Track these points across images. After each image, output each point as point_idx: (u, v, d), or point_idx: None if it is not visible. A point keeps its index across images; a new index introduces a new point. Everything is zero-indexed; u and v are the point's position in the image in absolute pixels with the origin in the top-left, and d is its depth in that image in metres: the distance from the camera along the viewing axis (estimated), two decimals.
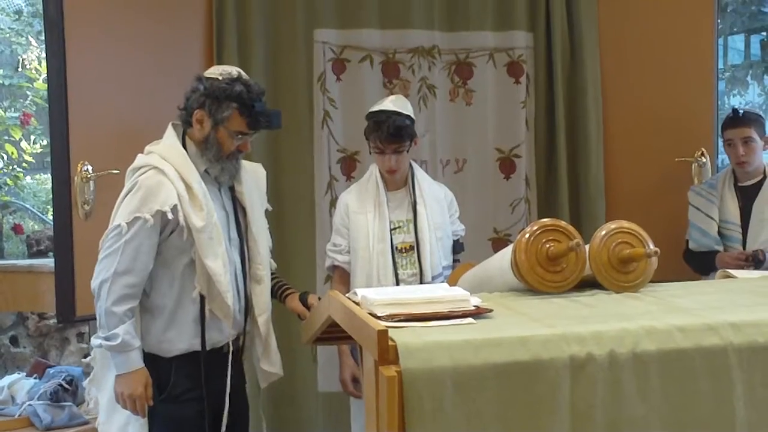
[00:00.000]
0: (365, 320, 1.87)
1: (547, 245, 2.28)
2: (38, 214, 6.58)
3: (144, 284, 2.62)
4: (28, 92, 5.82)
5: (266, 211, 2.96)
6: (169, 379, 2.68)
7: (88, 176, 3.34)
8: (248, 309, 2.83)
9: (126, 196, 2.62)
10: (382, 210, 3.20)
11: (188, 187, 2.61)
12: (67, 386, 3.55)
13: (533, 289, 2.29)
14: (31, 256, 5.58)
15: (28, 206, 6.58)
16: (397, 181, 3.26)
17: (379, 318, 1.89)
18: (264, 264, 2.85)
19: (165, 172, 2.60)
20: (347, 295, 2.22)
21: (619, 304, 2.16)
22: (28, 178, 6.49)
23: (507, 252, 2.42)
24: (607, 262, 2.30)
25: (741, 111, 3.65)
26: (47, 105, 3.48)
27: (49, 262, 3.94)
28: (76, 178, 3.33)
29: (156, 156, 2.65)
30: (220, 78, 2.69)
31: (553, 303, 2.18)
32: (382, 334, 1.73)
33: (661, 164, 4.02)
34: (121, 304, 2.56)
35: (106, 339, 2.56)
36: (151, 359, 2.66)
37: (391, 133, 3.11)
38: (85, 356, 5.14)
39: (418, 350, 1.71)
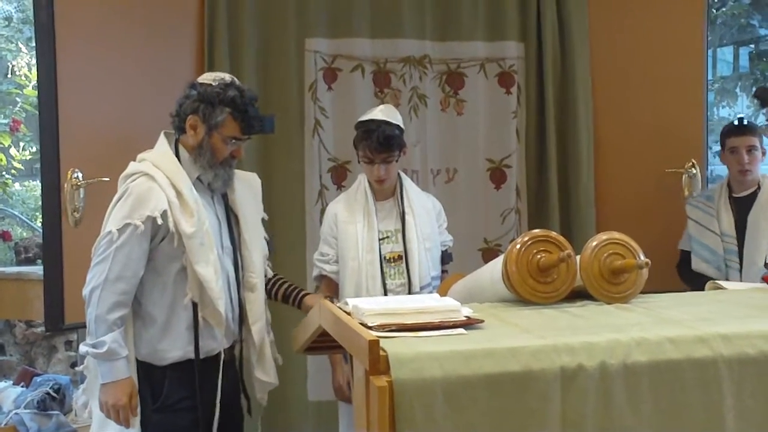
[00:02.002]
0: (356, 330, 1.87)
1: (538, 256, 2.29)
2: (27, 221, 6.57)
3: (135, 291, 2.61)
4: (17, 99, 5.81)
5: (262, 220, 2.95)
6: (163, 388, 2.67)
7: (78, 183, 3.33)
8: (242, 317, 2.82)
9: (117, 202, 2.61)
10: (371, 220, 3.20)
11: (179, 194, 2.60)
12: (54, 395, 3.53)
13: (524, 299, 2.29)
14: (19, 263, 5.57)
15: (16, 213, 6.56)
16: (386, 191, 3.26)
17: (370, 328, 1.89)
18: (257, 272, 2.84)
19: (155, 179, 2.59)
20: (338, 304, 2.22)
21: (610, 315, 2.16)
22: (16, 185, 6.48)
23: (498, 262, 2.42)
24: (598, 273, 2.31)
25: (745, 120, 3.66)
26: (37, 112, 3.46)
27: (37, 269, 3.93)
28: (65, 185, 3.32)
29: (148, 163, 2.65)
30: (214, 83, 2.69)
31: (544, 314, 2.18)
32: (374, 344, 1.73)
33: (652, 175, 4.03)
34: (112, 311, 2.55)
35: (93, 346, 2.55)
36: (144, 368, 2.65)
37: (380, 143, 3.10)
38: (73, 365, 5.12)
39: (409, 360, 1.71)
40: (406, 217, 3.22)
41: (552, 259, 2.26)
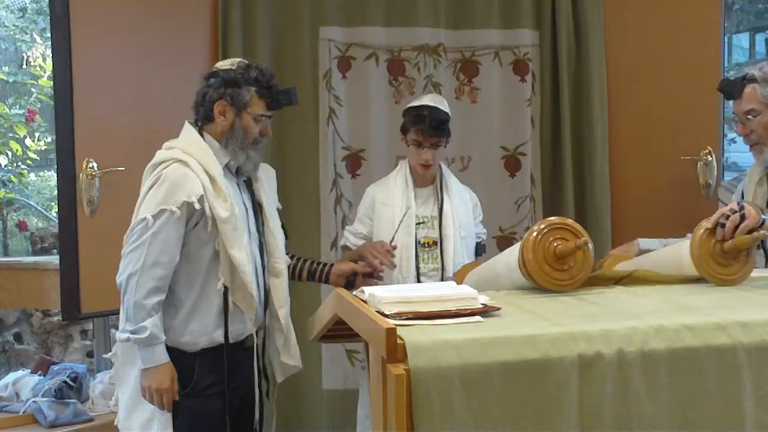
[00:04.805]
0: (373, 318, 1.87)
1: (555, 243, 2.28)
2: (42, 211, 6.59)
3: (171, 277, 2.63)
4: (32, 89, 5.82)
5: (277, 210, 2.98)
6: (193, 374, 2.69)
7: (94, 173, 3.34)
8: (267, 303, 2.85)
9: (150, 189, 2.63)
10: (410, 204, 3.29)
11: (212, 179, 2.64)
12: (71, 383, 3.55)
13: (540, 287, 2.29)
14: (35, 253, 5.60)
15: (32, 203, 6.59)
16: (426, 178, 3.34)
17: (386, 316, 1.89)
18: (281, 258, 2.89)
19: (189, 165, 2.63)
20: (354, 292, 2.22)
21: (627, 303, 2.15)
22: (32, 175, 6.49)
23: (514, 250, 2.42)
24: (707, 255, 2.34)
25: None
26: (52, 102, 3.48)
27: (53, 259, 3.94)
28: (81, 175, 3.33)
29: (178, 150, 2.68)
30: (234, 67, 2.74)
31: (561, 301, 2.18)
32: (391, 332, 1.73)
33: (667, 162, 4.01)
34: (149, 297, 2.57)
35: (134, 332, 2.57)
36: (174, 354, 2.66)
37: (433, 127, 3.21)
38: (89, 354, 5.16)
39: (426, 348, 1.71)
40: (444, 204, 3.31)
41: (569, 246, 2.26)
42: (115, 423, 2.81)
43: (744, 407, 1.83)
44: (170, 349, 2.65)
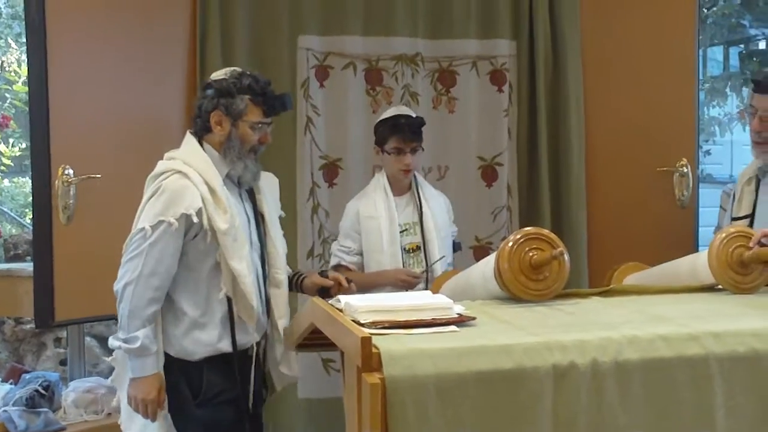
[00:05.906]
0: (349, 327, 1.87)
1: (530, 253, 2.29)
2: (16, 217, 6.54)
3: (167, 287, 2.64)
4: (7, 95, 5.78)
5: (279, 218, 3.00)
6: (201, 383, 2.71)
7: (70, 180, 3.31)
8: (268, 313, 2.86)
9: (149, 199, 2.64)
10: (392, 214, 3.40)
11: (212, 191, 2.65)
12: (43, 392, 3.50)
13: (516, 297, 2.30)
14: (8, 260, 5.53)
15: (5, 210, 6.53)
16: (403, 186, 3.46)
17: (362, 325, 1.89)
18: (282, 269, 2.90)
19: (189, 176, 2.64)
20: (330, 301, 2.22)
21: (602, 313, 2.17)
22: (6, 181, 6.44)
23: (490, 260, 2.43)
24: (726, 264, 2.40)
25: None
26: (27, 108, 3.45)
27: (27, 266, 3.90)
28: (57, 182, 3.30)
29: (179, 161, 2.69)
30: (227, 77, 2.76)
31: (536, 311, 2.19)
32: (366, 341, 1.73)
33: (643, 174, 4.03)
34: (146, 307, 2.58)
35: (126, 341, 2.58)
36: (179, 363, 2.68)
37: (413, 132, 3.36)
38: (62, 362, 5.10)
39: (401, 357, 1.72)
40: (423, 209, 3.44)
41: (544, 256, 2.27)
42: (118, 423, 2.84)
43: (716, 417, 1.85)
44: (175, 359, 2.68)
